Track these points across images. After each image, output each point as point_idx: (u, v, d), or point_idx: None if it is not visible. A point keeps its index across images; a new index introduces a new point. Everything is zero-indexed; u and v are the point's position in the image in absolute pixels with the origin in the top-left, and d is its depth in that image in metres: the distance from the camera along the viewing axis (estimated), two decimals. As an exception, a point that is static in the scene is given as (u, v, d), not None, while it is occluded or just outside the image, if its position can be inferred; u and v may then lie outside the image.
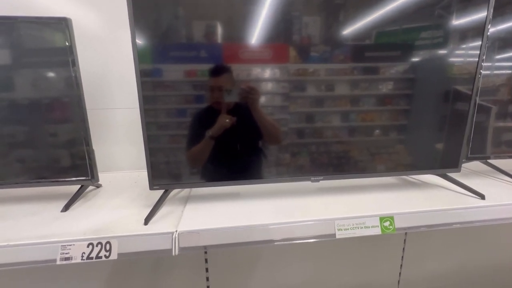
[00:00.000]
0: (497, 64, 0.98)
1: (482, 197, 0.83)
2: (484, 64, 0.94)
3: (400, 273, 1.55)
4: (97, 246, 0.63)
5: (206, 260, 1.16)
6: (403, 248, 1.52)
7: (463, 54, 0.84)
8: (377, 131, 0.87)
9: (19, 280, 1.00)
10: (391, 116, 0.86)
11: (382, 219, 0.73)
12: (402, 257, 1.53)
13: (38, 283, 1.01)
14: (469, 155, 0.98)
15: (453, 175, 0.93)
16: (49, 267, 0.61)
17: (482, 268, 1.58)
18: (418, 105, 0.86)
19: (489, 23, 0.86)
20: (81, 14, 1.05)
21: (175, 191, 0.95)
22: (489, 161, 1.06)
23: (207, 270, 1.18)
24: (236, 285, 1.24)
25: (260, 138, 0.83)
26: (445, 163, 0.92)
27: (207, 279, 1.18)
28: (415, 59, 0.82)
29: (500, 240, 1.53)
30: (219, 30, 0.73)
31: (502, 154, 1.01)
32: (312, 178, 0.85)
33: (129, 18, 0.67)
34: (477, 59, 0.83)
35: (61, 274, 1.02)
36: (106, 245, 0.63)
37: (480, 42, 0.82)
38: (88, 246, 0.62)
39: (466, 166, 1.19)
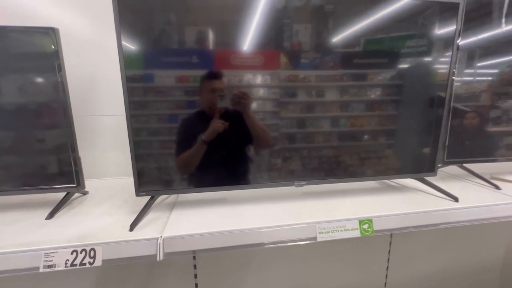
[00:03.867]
0: (478, 71, 1.03)
1: (456, 199, 0.87)
2: (466, 71, 1.01)
3: (386, 275, 1.58)
4: (81, 253, 0.63)
5: (195, 266, 1.17)
6: (389, 251, 1.56)
7: (440, 62, 0.89)
8: (361, 137, 0.91)
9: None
10: (374, 123, 0.91)
11: (361, 222, 0.76)
12: (388, 259, 1.57)
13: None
14: (445, 160, 1.04)
15: (430, 179, 0.98)
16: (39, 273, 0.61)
17: (466, 267, 1.64)
18: (398, 112, 0.91)
19: (459, 35, 0.93)
20: (70, 22, 1.06)
21: (162, 197, 0.96)
22: (465, 165, 1.11)
23: (196, 276, 1.18)
24: (224, 291, 1.24)
25: (250, 143, 0.85)
26: (422, 167, 0.96)
27: (196, 285, 1.18)
28: (398, 66, 0.87)
29: (484, 239, 1.60)
30: (210, 36, 0.75)
31: (476, 158, 1.07)
32: (295, 183, 0.88)
33: (115, 25, 0.69)
34: (449, 66, 0.89)
35: (49, 281, 1.01)
36: (90, 252, 0.64)
37: (450, 52, 0.88)
38: (72, 253, 0.63)
39: (445, 170, 1.25)
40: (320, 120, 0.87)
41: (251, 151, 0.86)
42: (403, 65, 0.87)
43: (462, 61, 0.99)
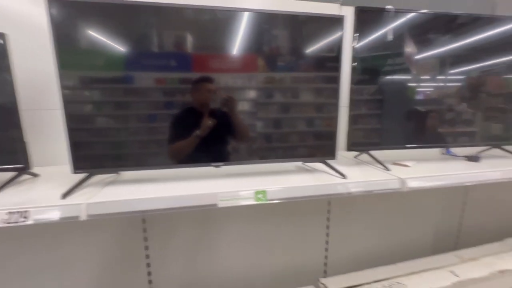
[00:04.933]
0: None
1: (344, 176, 1.07)
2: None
3: (326, 256, 1.77)
4: (15, 213, 0.78)
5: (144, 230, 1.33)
6: (327, 233, 1.74)
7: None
8: (278, 125, 1.09)
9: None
10: (288, 113, 1.10)
11: (257, 192, 0.94)
12: (327, 241, 1.75)
13: None
14: (350, 147, 1.23)
15: (338, 163, 1.17)
16: None
17: (400, 241, 1.86)
18: (310, 107, 1.10)
19: (355, 44, 1.13)
20: (27, 20, 1.21)
21: (103, 177, 1.12)
22: (371, 152, 1.31)
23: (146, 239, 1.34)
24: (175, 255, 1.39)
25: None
26: (327, 152, 1.16)
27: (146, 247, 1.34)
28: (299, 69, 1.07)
29: (416, 215, 1.84)
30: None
31: (375, 146, 1.27)
32: (213, 164, 1.05)
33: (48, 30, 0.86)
34: (339, 70, 1.09)
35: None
36: (24, 213, 0.79)
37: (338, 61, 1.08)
38: (7, 214, 0.78)
39: (360, 157, 1.45)
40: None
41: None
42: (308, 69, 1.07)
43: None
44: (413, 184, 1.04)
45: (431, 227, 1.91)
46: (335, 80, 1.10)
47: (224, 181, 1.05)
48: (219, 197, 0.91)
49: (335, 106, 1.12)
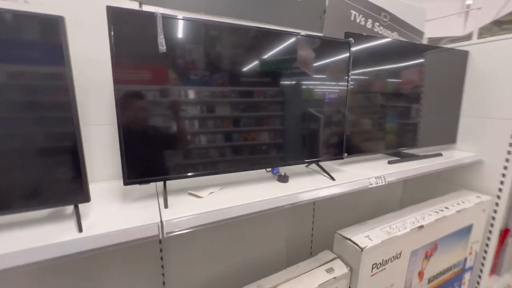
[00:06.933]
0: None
1: (81, 230, 0.84)
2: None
3: (165, 289, 1.57)
4: None
5: None
6: (162, 265, 1.55)
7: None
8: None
9: None
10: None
11: None
12: (163, 274, 1.56)
13: None
14: (127, 181, 1.02)
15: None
16: None
17: (251, 262, 1.81)
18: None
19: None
20: None
21: None
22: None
23: None
24: None
25: None
26: (76, 195, 0.92)
27: None
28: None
29: (268, 231, 1.81)
30: None
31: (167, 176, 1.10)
32: None
33: None
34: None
35: None
36: None
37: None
38: None
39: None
40: None
41: None
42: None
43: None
44: (168, 228, 0.89)
45: (283, 241, 1.92)
46: (65, 91, 0.84)
47: None
48: None
49: (71, 125, 0.86)
